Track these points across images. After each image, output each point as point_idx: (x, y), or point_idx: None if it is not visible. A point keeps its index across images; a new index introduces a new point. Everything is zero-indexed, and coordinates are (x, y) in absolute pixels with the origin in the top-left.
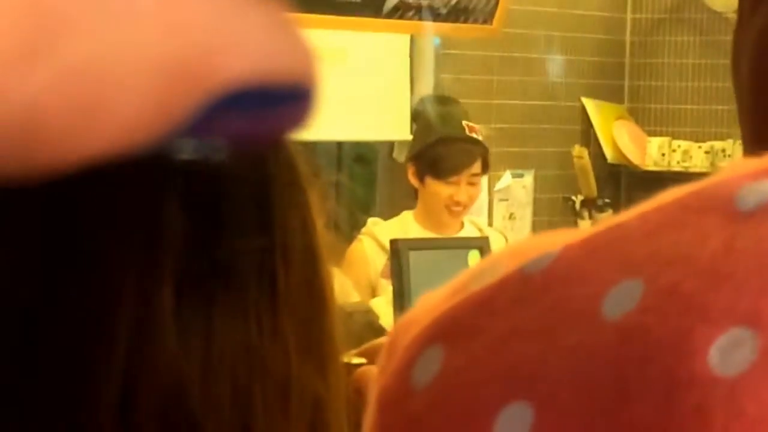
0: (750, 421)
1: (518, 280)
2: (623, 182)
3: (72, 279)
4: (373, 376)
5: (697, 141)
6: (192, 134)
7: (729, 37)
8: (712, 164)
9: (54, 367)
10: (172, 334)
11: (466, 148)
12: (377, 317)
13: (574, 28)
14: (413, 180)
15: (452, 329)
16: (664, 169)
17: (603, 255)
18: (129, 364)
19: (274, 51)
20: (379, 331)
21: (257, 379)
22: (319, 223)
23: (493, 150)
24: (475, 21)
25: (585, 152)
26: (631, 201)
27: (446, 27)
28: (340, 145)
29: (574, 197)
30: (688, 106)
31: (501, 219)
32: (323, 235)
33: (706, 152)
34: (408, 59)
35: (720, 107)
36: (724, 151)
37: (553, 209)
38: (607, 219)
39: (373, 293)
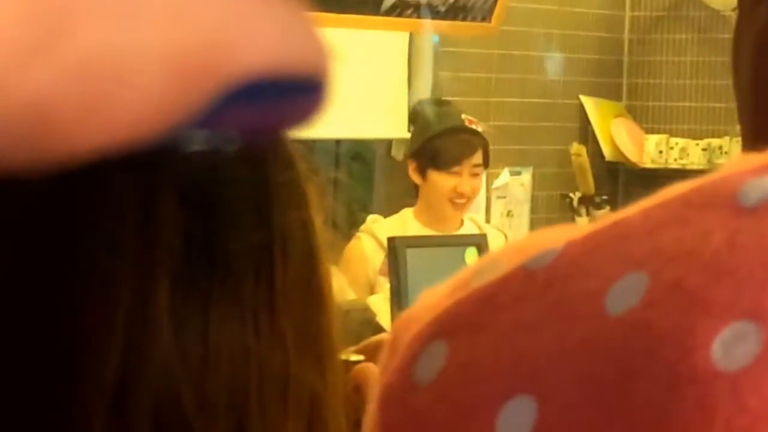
0: (753, 415)
1: (521, 276)
2: (621, 179)
3: (67, 276)
4: (373, 373)
5: (694, 138)
6: (204, 126)
7: (727, 35)
8: (709, 161)
9: (48, 364)
10: (167, 331)
11: (467, 138)
12: (374, 315)
13: (572, 25)
14: (414, 176)
15: (455, 325)
16: (662, 166)
17: (606, 251)
18: (124, 362)
19: (287, 43)
20: (377, 328)
21: (254, 377)
22: (318, 221)
23: (492, 147)
24: (474, 19)
25: (583, 150)
26: (628, 198)
27: (445, 25)
28: (338, 143)
29: (572, 194)
30: (686, 104)
31: (499, 216)
32: (322, 233)
33: (704, 149)
34: (406, 57)
35: (717, 105)
36: (721, 148)
37: (551, 206)
38: (608, 216)
39: (372, 291)
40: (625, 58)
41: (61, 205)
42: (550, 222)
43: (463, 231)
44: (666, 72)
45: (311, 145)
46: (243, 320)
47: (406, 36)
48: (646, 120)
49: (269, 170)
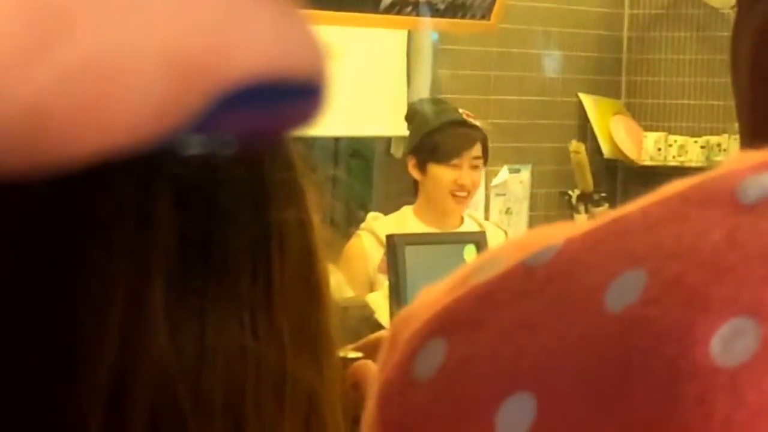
0: (751, 410)
1: (520, 273)
2: (620, 177)
3: (63, 276)
4: (372, 370)
5: (693, 136)
6: (201, 130)
7: (725, 33)
8: (708, 159)
9: (44, 364)
10: (163, 331)
11: (466, 131)
12: (373, 312)
13: (571, 23)
14: (414, 172)
15: (454, 322)
16: (660, 163)
17: (605, 248)
18: (119, 362)
19: (285, 47)
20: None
21: (251, 376)
22: (316, 218)
23: (491, 145)
24: (473, 17)
25: (582, 147)
26: (627, 195)
27: (444, 23)
28: (336, 140)
29: (570, 192)
30: (685, 102)
31: (498, 214)
32: (319, 231)
33: (702, 147)
34: (405, 55)
35: (716, 102)
36: (719, 145)
37: (550, 204)
38: (607, 213)
39: (371, 288)
40: (624, 56)
41: (58, 205)
42: (549, 219)
43: (463, 228)
44: (665, 70)
45: (310, 142)
46: (240, 319)
47: (404, 34)
48: (645, 117)
49: (266, 169)
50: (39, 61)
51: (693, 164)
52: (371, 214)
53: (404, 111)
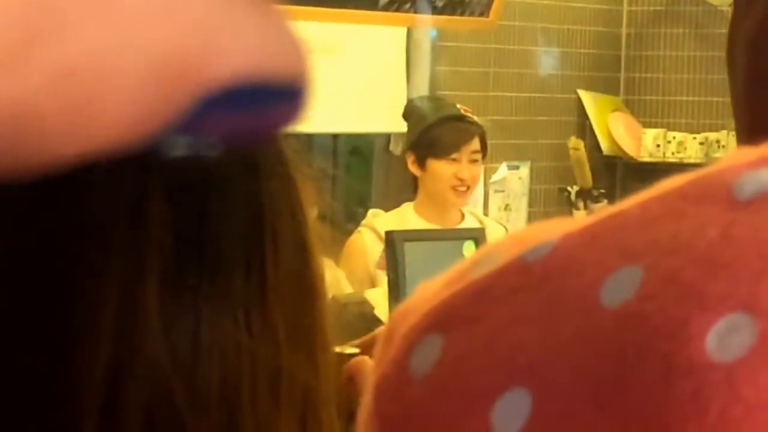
0: (747, 405)
1: (517, 268)
2: (619, 173)
3: (57, 274)
4: (368, 365)
5: (691, 132)
6: (185, 132)
7: (724, 30)
8: (707, 155)
9: (39, 362)
10: (157, 328)
11: (464, 126)
12: (373, 308)
13: (570, 20)
14: (414, 168)
15: (451, 317)
16: (659, 160)
17: (602, 243)
18: (114, 361)
19: (267, 49)
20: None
21: (246, 372)
22: (310, 213)
23: (489, 142)
24: (472, 13)
25: (581, 144)
26: (626, 192)
27: (442, 19)
28: (335, 137)
29: (569, 188)
30: (683, 98)
31: (497, 210)
32: (313, 226)
33: (701, 143)
34: (404, 51)
35: (714, 99)
36: (718, 142)
37: (549, 200)
38: (605, 208)
39: (372, 284)
40: (623, 53)
41: (51, 204)
42: (548, 216)
43: (464, 225)
44: (663, 66)
45: (309, 139)
46: (234, 316)
47: (404, 30)
48: (644, 114)
49: (259, 164)
50: (28, 60)
51: (692, 161)
52: (372, 211)
53: (403, 108)
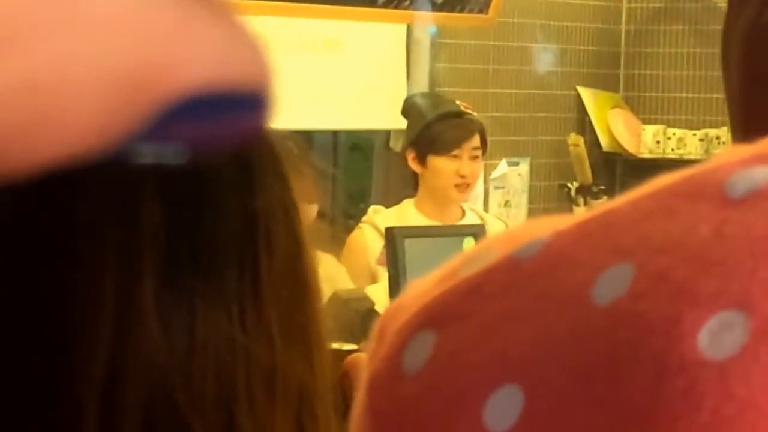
0: (740, 404)
1: (507, 266)
2: (618, 170)
3: (53, 273)
4: (365, 362)
5: (691, 129)
6: (149, 140)
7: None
8: (707, 151)
9: (37, 364)
10: (155, 325)
11: (464, 122)
12: (374, 304)
13: (569, 17)
14: (414, 165)
15: (443, 314)
16: (659, 156)
17: (593, 241)
18: (113, 358)
19: (230, 59)
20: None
21: (241, 369)
22: (307, 210)
23: (489, 138)
24: (471, 10)
25: (580, 140)
26: (626, 188)
27: (442, 16)
28: (336, 134)
29: (569, 184)
30: (683, 95)
31: (497, 207)
32: (308, 223)
33: (701, 140)
34: (404, 48)
35: (714, 95)
36: (718, 138)
37: (549, 197)
38: (599, 205)
39: (373, 280)
40: (623, 49)
41: (45, 202)
42: (548, 212)
43: (465, 221)
44: (663, 63)
45: (310, 136)
46: (228, 312)
47: (404, 27)
48: (644, 110)
49: (250, 161)
50: None
51: (692, 157)
52: (373, 207)
53: None
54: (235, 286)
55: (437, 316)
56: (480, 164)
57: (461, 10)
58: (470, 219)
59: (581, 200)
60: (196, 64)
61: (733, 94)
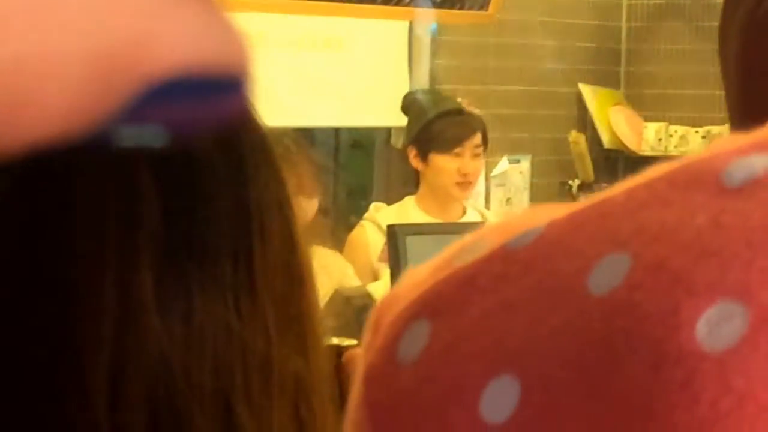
0: (738, 396)
1: (502, 256)
2: (620, 167)
3: (52, 266)
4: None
5: (693, 126)
6: (128, 122)
7: None
8: None
9: (41, 357)
10: (154, 315)
11: (465, 120)
12: (375, 301)
13: (570, 13)
14: (416, 162)
15: (437, 305)
16: (661, 153)
17: (588, 230)
18: (115, 349)
19: (209, 41)
20: None
21: (238, 359)
22: (300, 204)
23: (490, 136)
24: (471, 7)
25: (582, 137)
26: None
27: (442, 13)
28: (337, 131)
29: (571, 182)
30: (685, 92)
31: (498, 204)
32: (308, 218)
33: (703, 137)
34: (406, 45)
35: (716, 92)
36: (720, 135)
37: (550, 194)
38: (594, 195)
39: (374, 277)
40: (623, 46)
41: (41, 196)
42: None
43: (466, 219)
44: (664, 60)
45: (311, 133)
46: (224, 301)
47: (406, 25)
48: (645, 108)
49: (244, 154)
50: None
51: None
52: (374, 204)
53: None
54: (230, 276)
55: (432, 305)
56: (481, 162)
57: (461, 7)
58: (471, 216)
59: (582, 198)
60: (174, 46)
61: (731, 86)
